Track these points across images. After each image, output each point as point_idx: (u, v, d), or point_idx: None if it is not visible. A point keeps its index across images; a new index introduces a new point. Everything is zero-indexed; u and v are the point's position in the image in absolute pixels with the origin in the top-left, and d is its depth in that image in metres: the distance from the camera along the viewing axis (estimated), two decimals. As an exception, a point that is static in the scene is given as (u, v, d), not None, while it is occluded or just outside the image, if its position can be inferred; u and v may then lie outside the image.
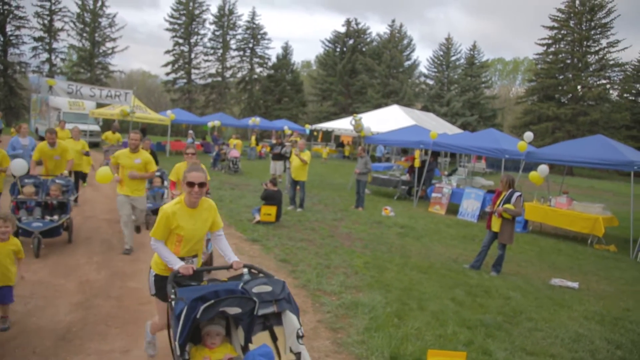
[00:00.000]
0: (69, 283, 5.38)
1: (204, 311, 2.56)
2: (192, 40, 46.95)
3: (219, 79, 47.74)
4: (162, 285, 3.20)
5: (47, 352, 3.83)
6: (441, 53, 46.40)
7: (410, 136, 14.92)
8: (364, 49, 46.08)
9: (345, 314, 5.00)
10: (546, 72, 39.52)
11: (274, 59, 48.53)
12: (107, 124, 24.73)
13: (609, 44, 37.55)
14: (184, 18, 46.10)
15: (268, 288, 2.92)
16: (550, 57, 39.85)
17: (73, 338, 4.09)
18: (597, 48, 38.18)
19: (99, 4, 42.30)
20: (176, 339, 2.56)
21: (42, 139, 7.55)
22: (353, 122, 15.09)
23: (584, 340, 4.88)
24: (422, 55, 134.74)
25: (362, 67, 44.11)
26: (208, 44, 47.61)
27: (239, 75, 48.81)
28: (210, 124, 25.49)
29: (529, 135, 11.78)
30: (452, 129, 27.78)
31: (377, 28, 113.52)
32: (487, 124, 39.06)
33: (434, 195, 13.23)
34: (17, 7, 38.68)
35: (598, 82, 38.47)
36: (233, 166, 17.75)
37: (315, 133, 33.37)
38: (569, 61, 38.91)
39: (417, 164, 13.94)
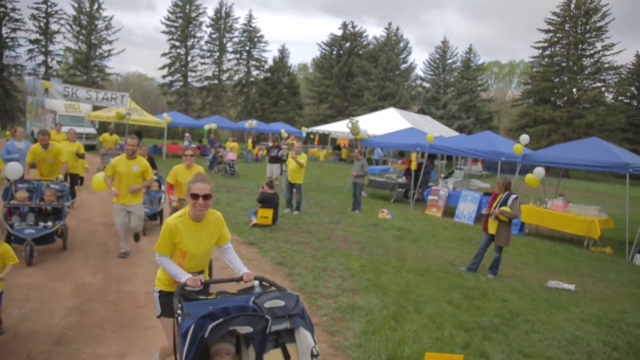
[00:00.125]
0: (65, 287, 5.34)
1: (212, 330, 2.36)
2: (189, 43, 47.04)
3: (216, 81, 47.80)
4: (167, 300, 3.02)
5: (42, 356, 3.79)
6: (437, 56, 46.61)
7: (406, 139, 14.96)
8: (360, 52, 46.22)
9: (342, 317, 4.99)
10: (542, 75, 39.79)
11: (270, 62, 48.76)
12: (103, 127, 24.68)
13: (604, 47, 37.89)
14: (180, 21, 46.17)
15: (281, 303, 2.70)
16: (546, 60, 40.14)
17: (69, 342, 4.06)
18: (592, 51, 38.53)
19: (96, 6, 42.34)
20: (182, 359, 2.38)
21: (37, 141, 7.42)
22: (350, 125, 15.09)
23: (580, 342, 4.89)
24: (419, 58, 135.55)
25: (359, 70, 44.24)
26: (205, 47, 47.79)
27: (236, 78, 48.92)
28: (206, 127, 25.45)
29: (525, 137, 11.82)
30: (448, 132, 27.86)
31: (373, 31, 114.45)
32: (484, 126, 39.19)
33: (430, 197, 13.26)
34: (13, 10, 38.71)
35: (593, 85, 38.78)
36: (230, 169, 17.74)
37: (311, 136, 33.43)
38: (564, 64, 39.20)
39: (413, 166, 13.96)
